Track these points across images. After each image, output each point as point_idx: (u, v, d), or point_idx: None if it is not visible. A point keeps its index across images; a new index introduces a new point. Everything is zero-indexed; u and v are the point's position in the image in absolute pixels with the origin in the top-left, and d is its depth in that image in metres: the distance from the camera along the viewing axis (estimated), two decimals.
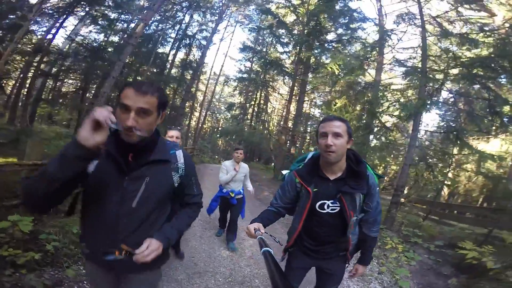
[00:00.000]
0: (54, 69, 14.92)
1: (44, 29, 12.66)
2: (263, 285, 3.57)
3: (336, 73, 9.92)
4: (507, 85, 8.46)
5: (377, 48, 9.59)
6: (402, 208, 7.85)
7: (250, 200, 4.77)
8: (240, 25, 23.45)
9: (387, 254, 5.27)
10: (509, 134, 8.72)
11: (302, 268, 2.05)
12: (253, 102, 23.75)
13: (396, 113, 8.57)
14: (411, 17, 8.84)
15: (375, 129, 9.22)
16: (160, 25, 17.31)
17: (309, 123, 20.81)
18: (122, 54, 9.60)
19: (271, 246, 1.09)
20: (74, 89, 17.71)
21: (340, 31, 14.17)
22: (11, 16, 10.96)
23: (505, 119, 7.24)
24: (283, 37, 16.65)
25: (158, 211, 1.36)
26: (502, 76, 7.30)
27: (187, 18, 18.35)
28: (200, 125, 28.55)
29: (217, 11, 19.25)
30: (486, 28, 7.80)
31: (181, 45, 19.05)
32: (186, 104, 20.81)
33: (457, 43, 8.25)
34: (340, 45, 14.13)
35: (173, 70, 19.95)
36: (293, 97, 17.08)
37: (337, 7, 12.91)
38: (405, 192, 8.75)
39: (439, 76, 8.27)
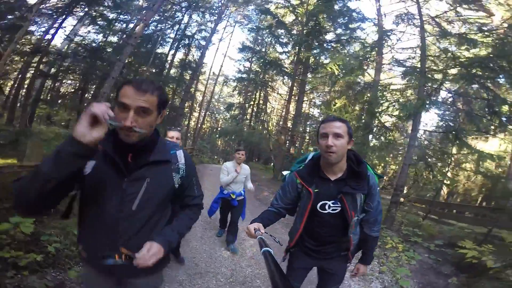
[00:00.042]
0: (53, 70, 14.91)
1: (43, 29, 12.67)
2: (265, 286, 3.58)
3: (336, 73, 9.92)
4: (505, 85, 8.48)
5: (376, 48, 9.61)
6: (402, 207, 7.86)
7: (250, 200, 4.77)
8: (240, 25, 23.50)
9: (387, 253, 5.28)
10: (508, 133, 8.76)
11: (304, 268, 2.06)
12: (252, 102, 23.73)
13: (396, 113, 8.58)
14: (410, 17, 8.87)
15: (375, 129, 9.24)
16: (159, 25, 17.29)
17: (308, 123, 20.81)
18: (121, 54, 9.58)
19: (271, 246, 1.10)
20: (73, 90, 17.71)
21: (339, 31, 14.19)
22: (10, 17, 10.95)
23: (504, 119, 7.26)
24: (282, 37, 16.64)
25: (159, 214, 1.32)
26: (500, 76, 7.32)
27: (186, 18, 18.35)
28: (199, 125, 28.54)
29: (216, 11, 19.24)
30: (485, 28, 7.83)
31: (180, 45, 19.02)
32: (185, 104, 20.78)
33: (456, 43, 8.27)
34: (339, 45, 14.14)
35: (172, 71, 19.93)
36: (292, 97, 17.08)
37: (336, 7, 12.95)
38: (405, 191, 8.76)
39: (438, 76, 8.29)
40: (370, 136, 9.51)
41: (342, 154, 1.69)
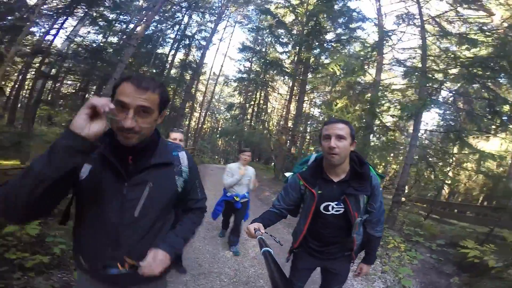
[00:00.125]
0: (54, 70, 14.92)
1: (43, 30, 12.68)
2: (268, 286, 3.60)
3: (337, 74, 9.93)
4: (506, 85, 8.49)
5: (377, 49, 9.63)
6: (403, 207, 7.88)
7: (252, 200, 4.78)
8: (240, 25, 23.51)
9: (389, 253, 5.30)
10: (509, 133, 8.76)
11: (308, 268, 2.08)
12: (252, 102, 23.78)
13: (397, 113, 8.59)
14: (410, 17, 8.87)
15: (376, 129, 9.25)
16: (159, 25, 17.31)
17: (309, 122, 20.85)
18: (122, 55, 9.61)
19: (271, 246, 1.10)
20: (73, 90, 17.71)
21: (339, 31, 14.24)
22: (9, 18, 10.95)
23: (505, 118, 7.26)
24: (282, 37, 16.70)
25: (163, 219, 1.25)
26: (501, 76, 7.33)
27: (186, 18, 18.38)
28: (200, 126, 28.57)
29: (216, 12, 19.27)
30: (485, 28, 7.83)
31: (181, 46, 19.05)
32: (186, 105, 20.81)
33: (456, 43, 8.29)
34: (339, 45, 14.18)
35: (173, 71, 19.96)
36: (293, 97, 17.11)
37: (336, 7, 12.98)
38: (406, 191, 8.78)
39: (439, 76, 8.30)
40: (371, 136, 9.52)
41: (345, 156, 1.70)
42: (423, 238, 6.11)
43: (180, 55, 20.39)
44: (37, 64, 13.40)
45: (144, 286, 1.26)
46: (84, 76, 14.61)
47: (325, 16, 13.59)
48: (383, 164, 16.78)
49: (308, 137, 18.86)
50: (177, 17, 17.84)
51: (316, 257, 1.96)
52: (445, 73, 8.03)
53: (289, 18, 17.05)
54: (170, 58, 18.93)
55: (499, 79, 7.70)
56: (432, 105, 8.09)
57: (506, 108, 7.22)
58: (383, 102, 8.73)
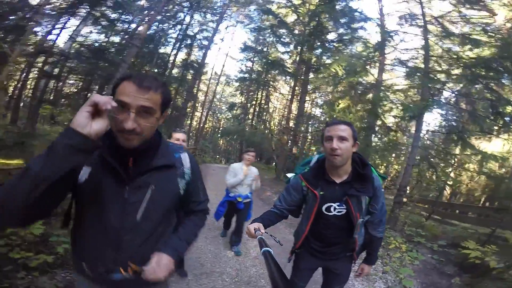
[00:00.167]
0: (56, 70, 14.96)
1: (46, 29, 12.71)
2: (269, 286, 3.61)
3: (339, 74, 9.93)
4: (509, 85, 8.46)
5: (379, 49, 9.62)
6: (405, 207, 7.88)
7: (253, 200, 4.81)
8: (241, 25, 23.49)
9: (390, 253, 5.31)
10: None
11: (309, 268, 2.09)
12: (254, 102, 23.78)
13: (399, 113, 8.59)
14: (413, 18, 8.85)
15: (378, 130, 9.25)
16: (161, 25, 17.32)
17: (310, 122, 20.86)
18: (126, 55, 9.63)
19: (271, 246, 1.10)
20: (75, 90, 17.77)
21: (341, 30, 14.18)
22: (12, 17, 10.99)
23: (507, 119, 7.25)
24: (284, 37, 16.65)
25: (165, 223, 1.22)
26: (504, 76, 7.31)
27: (187, 18, 18.38)
28: (201, 125, 28.61)
29: (218, 11, 19.27)
30: (488, 28, 7.81)
31: (182, 45, 19.06)
32: (188, 104, 20.84)
33: (459, 43, 8.26)
34: (341, 45, 14.16)
35: (174, 70, 19.97)
36: (295, 97, 17.10)
37: (338, 7, 12.93)
38: (408, 191, 8.78)
39: (441, 77, 8.29)
40: (373, 137, 9.52)
41: (347, 157, 1.70)
42: (424, 238, 6.13)
43: (182, 55, 20.44)
44: (40, 64, 13.44)
45: None
46: (86, 75, 14.66)
47: (327, 16, 13.58)
48: (385, 164, 16.77)
49: (309, 137, 18.85)
50: (179, 17, 17.85)
51: (318, 257, 1.97)
52: (448, 74, 8.02)
53: (291, 18, 17.03)
54: (172, 58, 18.97)
55: (502, 80, 7.67)
56: (435, 106, 8.08)
57: (509, 109, 7.20)
58: (385, 102, 8.72)
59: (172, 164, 1.18)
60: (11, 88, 16.44)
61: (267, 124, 21.59)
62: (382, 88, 9.32)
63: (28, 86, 16.93)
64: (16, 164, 4.90)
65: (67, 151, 0.80)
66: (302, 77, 15.69)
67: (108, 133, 0.97)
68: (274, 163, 21.45)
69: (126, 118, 0.94)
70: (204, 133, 33.10)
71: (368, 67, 9.71)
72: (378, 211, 1.83)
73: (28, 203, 0.80)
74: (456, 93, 9.07)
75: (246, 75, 21.31)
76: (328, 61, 14.05)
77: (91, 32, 14.62)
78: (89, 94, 16.28)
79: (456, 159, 9.26)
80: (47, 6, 10.54)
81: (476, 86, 8.42)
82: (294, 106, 17.51)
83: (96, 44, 13.81)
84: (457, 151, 8.88)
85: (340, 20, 13.41)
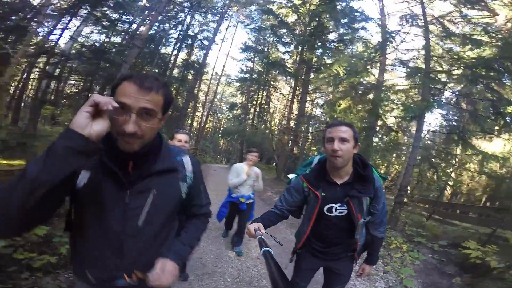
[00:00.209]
0: (57, 70, 14.98)
1: (47, 30, 12.73)
2: (270, 286, 3.62)
3: (341, 75, 9.94)
4: (510, 86, 8.47)
5: (380, 49, 9.63)
6: (406, 207, 7.90)
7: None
8: (242, 25, 23.53)
9: (391, 253, 5.33)
10: None
11: (311, 269, 2.10)
12: (254, 102, 23.79)
13: (400, 114, 8.59)
14: (414, 18, 8.85)
15: (378, 129, 9.26)
16: (161, 25, 17.35)
17: (310, 122, 20.87)
18: (127, 55, 9.65)
19: (271, 246, 1.09)
20: (76, 90, 17.79)
21: (342, 31, 14.19)
22: (13, 17, 11.01)
23: (508, 119, 7.25)
24: (285, 37, 16.67)
25: (168, 228, 1.19)
26: (505, 76, 7.30)
27: (188, 18, 18.41)
28: (202, 125, 28.64)
29: (219, 12, 19.30)
30: (489, 28, 7.81)
31: (183, 46, 19.09)
32: (189, 105, 20.86)
33: (460, 43, 8.27)
34: (342, 45, 14.18)
35: (175, 71, 19.99)
36: (295, 97, 17.11)
37: (339, 7, 12.95)
38: (408, 191, 8.79)
39: (442, 77, 8.29)
40: (374, 137, 9.53)
41: (348, 158, 1.72)
42: (425, 238, 6.14)
43: (182, 55, 20.47)
44: (41, 64, 13.47)
45: None
46: (87, 76, 14.68)
47: (327, 16, 13.58)
48: (385, 164, 16.78)
49: (310, 137, 18.85)
50: (180, 17, 17.88)
51: (319, 257, 1.99)
52: (449, 74, 8.02)
53: (292, 18, 17.05)
54: (172, 58, 18.99)
55: (503, 80, 7.67)
56: (435, 106, 8.08)
57: (510, 109, 7.20)
58: (386, 103, 8.73)
59: (174, 168, 1.15)
60: (12, 89, 16.47)
61: (268, 124, 21.57)
62: (383, 88, 9.32)
63: (29, 87, 16.97)
64: (19, 164, 4.92)
65: (67, 153, 0.76)
66: (303, 77, 15.69)
67: (107, 135, 0.90)
68: (274, 163, 21.47)
69: (126, 120, 0.90)
70: (204, 133, 33.13)
71: (369, 67, 9.71)
72: (379, 211, 1.85)
73: (26, 209, 0.75)
74: (457, 93, 9.08)
75: (247, 75, 21.33)
76: (329, 61, 14.05)
77: (91, 32, 14.66)
78: (90, 95, 16.27)
79: (457, 159, 9.27)
80: (49, 7, 10.56)
81: (477, 86, 8.43)
82: (295, 106, 17.52)
83: (97, 45, 13.82)
84: (458, 151, 8.88)
85: (341, 20, 13.42)
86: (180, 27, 18.21)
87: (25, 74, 14.62)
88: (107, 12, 13.64)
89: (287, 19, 16.61)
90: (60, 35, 12.82)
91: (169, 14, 17.12)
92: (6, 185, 0.77)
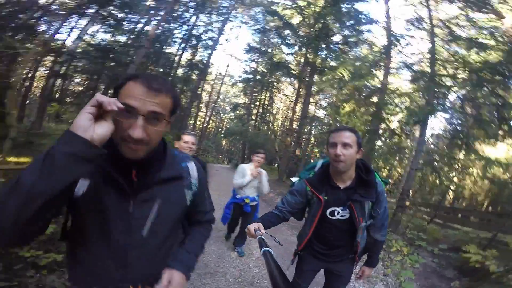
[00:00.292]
0: (63, 68, 15.09)
1: (54, 29, 12.84)
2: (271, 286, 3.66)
3: (345, 78, 9.96)
4: None
5: (385, 53, 9.63)
6: (407, 211, 7.91)
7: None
8: (247, 24, 23.49)
9: (392, 256, 5.36)
10: None
11: (312, 270, 2.14)
12: (257, 103, 23.82)
13: (403, 118, 8.60)
14: (420, 21, 8.83)
15: (381, 132, 9.27)
16: (166, 25, 17.40)
17: (313, 124, 20.88)
18: (135, 56, 9.73)
19: (271, 247, 1.09)
20: (81, 88, 17.92)
21: (346, 32, 14.19)
22: (21, 16, 11.11)
23: None
24: (289, 38, 16.67)
25: (173, 237, 1.14)
26: (511, 80, 7.27)
27: (193, 19, 18.46)
28: (205, 125, 28.72)
29: (224, 12, 19.33)
30: (495, 31, 7.78)
31: (188, 46, 19.13)
32: (193, 105, 20.92)
33: (466, 47, 8.24)
34: (346, 47, 14.18)
35: (179, 70, 20.04)
36: (299, 98, 17.13)
37: (344, 10, 12.96)
38: (410, 195, 8.79)
39: (447, 80, 8.28)
40: (377, 140, 9.54)
41: (351, 163, 1.75)
42: (426, 242, 6.16)
43: (186, 55, 20.51)
44: (47, 62, 13.58)
45: None
46: (92, 75, 14.79)
47: (332, 18, 13.59)
48: (388, 168, 16.75)
49: (312, 139, 18.86)
50: (185, 17, 17.92)
51: (320, 259, 2.02)
52: (454, 78, 8.00)
53: (296, 20, 17.02)
54: (177, 58, 19.04)
55: (509, 84, 7.63)
56: (440, 110, 8.08)
57: None
58: (391, 107, 8.74)
59: (179, 176, 1.09)
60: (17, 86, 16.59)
61: (270, 125, 21.62)
62: (387, 91, 9.33)
63: (34, 84, 17.09)
64: (27, 162, 4.98)
65: (67, 160, 0.68)
66: (307, 79, 15.70)
67: (108, 140, 0.81)
68: (276, 165, 21.49)
69: (132, 124, 0.82)
70: (207, 133, 33.22)
71: (373, 70, 9.72)
72: (380, 215, 1.88)
73: (19, 222, 0.67)
74: (461, 97, 9.07)
75: (250, 76, 21.37)
76: (333, 63, 14.07)
77: (97, 31, 14.76)
78: (95, 94, 16.32)
79: (459, 164, 9.26)
80: (56, 6, 10.67)
81: (484, 89, 8.40)
82: (298, 108, 17.56)
83: (103, 43, 13.92)
84: (461, 156, 8.86)
85: (346, 22, 13.43)
86: (185, 27, 18.26)
87: (30, 73, 14.74)
88: (113, 11, 13.74)
89: (291, 21, 16.60)
90: (69, 34, 12.93)
91: (174, 14, 17.18)
92: None
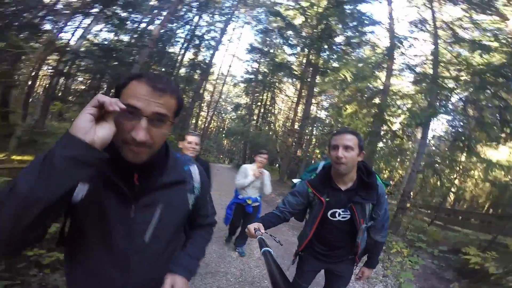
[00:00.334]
0: (67, 67, 15.14)
1: (57, 28, 12.88)
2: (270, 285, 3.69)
3: (348, 79, 9.97)
4: None
5: (388, 54, 9.63)
6: (408, 213, 7.92)
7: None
8: (249, 25, 23.50)
9: (392, 258, 5.38)
10: None
11: (313, 270, 2.16)
12: (259, 103, 23.84)
13: (405, 120, 8.60)
14: (423, 23, 8.82)
15: (383, 134, 9.28)
16: (169, 25, 17.43)
17: (315, 125, 20.89)
18: (139, 55, 9.76)
19: (271, 247, 1.09)
20: (84, 87, 17.98)
21: (349, 33, 14.21)
22: (25, 14, 11.16)
23: None
24: (291, 39, 16.68)
25: (175, 242, 1.12)
26: None
27: (196, 18, 18.49)
28: (206, 125, 28.77)
29: (227, 12, 19.35)
30: (499, 33, 7.76)
31: (190, 45, 19.16)
32: (195, 104, 20.94)
33: (469, 49, 8.22)
34: (349, 48, 14.18)
35: (181, 70, 20.06)
36: (301, 99, 17.14)
37: (347, 11, 12.96)
38: (411, 197, 8.80)
39: (450, 83, 8.27)
40: (378, 142, 9.55)
41: (352, 166, 1.78)
42: (426, 244, 6.18)
43: (189, 55, 20.53)
44: (50, 61, 13.65)
45: None
46: (95, 74, 14.84)
47: (335, 19, 13.59)
48: (389, 169, 16.74)
49: (314, 140, 18.88)
50: (188, 17, 17.94)
51: (321, 260, 2.05)
52: (456, 80, 8.00)
53: (299, 20, 17.01)
54: (179, 58, 19.06)
55: None
56: (442, 112, 8.08)
57: None
58: (393, 109, 8.75)
59: (182, 180, 1.06)
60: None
61: (272, 126, 21.64)
62: (389, 93, 9.33)
63: (37, 83, 17.16)
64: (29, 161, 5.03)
65: (67, 165, 0.65)
66: (309, 80, 15.70)
67: (108, 145, 0.77)
68: (277, 165, 21.50)
69: (136, 126, 0.78)
70: (208, 133, 33.26)
71: (376, 72, 9.72)
72: (381, 217, 1.91)
73: (18, 230, 0.64)
74: (463, 99, 9.07)
75: (252, 76, 21.41)
76: (336, 64, 14.06)
77: (101, 30, 14.80)
78: (98, 93, 16.37)
79: (461, 166, 9.25)
80: (61, 6, 10.72)
81: (486, 91, 8.39)
82: (300, 109, 17.57)
83: (106, 43, 13.96)
84: (463, 158, 8.86)
85: (349, 23, 13.42)
86: (187, 27, 18.28)
87: (34, 72, 14.81)
88: (116, 10, 13.78)
89: (294, 21, 16.60)
90: (73, 33, 12.98)
91: (176, 14, 17.20)
92: None
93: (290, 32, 16.33)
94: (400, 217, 7.36)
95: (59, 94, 16.97)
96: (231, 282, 3.57)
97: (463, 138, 7.86)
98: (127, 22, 14.64)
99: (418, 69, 9.44)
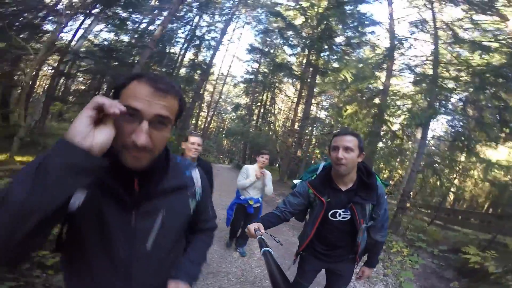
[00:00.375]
0: (67, 67, 15.15)
1: (58, 28, 12.88)
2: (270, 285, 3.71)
3: (348, 80, 9.98)
4: None
5: (388, 55, 9.65)
6: (408, 213, 7.95)
7: None
8: (249, 25, 23.53)
9: (392, 257, 5.41)
10: None
11: (314, 270, 2.19)
12: (259, 103, 23.86)
13: (406, 121, 8.61)
14: (423, 23, 8.84)
15: (383, 134, 9.30)
16: (170, 25, 17.43)
17: (315, 125, 20.90)
18: (140, 56, 9.78)
19: (271, 247, 1.09)
20: (84, 87, 18.00)
21: (349, 33, 14.24)
22: (25, 14, 11.17)
23: None
24: (292, 39, 16.71)
25: (177, 248, 1.09)
26: None
27: (196, 19, 18.50)
28: (206, 125, 28.78)
29: (227, 12, 19.36)
30: (498, 33, 7.78)
31: (191, 46, 19.16)
32: (195, 105, 20.95)
33: (469, 49, 8.24)
34: (349, 48, 14.20)
35: (182, 70, 20.06)
36: (301, 99, 17.16)
37: (347, 11, 12.98)
38: (411, 197, 8.83)
39: (450, 83, 8.29)
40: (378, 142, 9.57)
41: (352, 167, 1.80)
42: (425, 243, 6.21)
43: (189, 55, 20.53)
44: (51, 61, 13.67)
45: None
46: (96, 74, 14.85)
47: (336, 19, 13.61)
48: (389, 169, 16.77)
49: (314, 140, 18.89)
50: (188, 17, 17.94)
51: (321, 259, 2.07)
52: (456, 80, 8.02)
53: (299, 21, 17.04)
54: (179, 58, 19.07)
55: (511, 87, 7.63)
56: (442, 112, 8.11)
57: None
58: (393, 109, 8.77)
59: (184, 185, 1.03)
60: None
61: (272, 126, 21.65)
62: (389, 93, 9.35)
63: (37, 83, 17.17)
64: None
65: (63, 173, 0.60)
66: (309, 80, 15.72)
67: (107, 150, 0.72)
68: (277, 165, 21.52)
69: (136, 129, 0.74)
70: (208, 133, 33.28)
71: (376, 72, 9.74)
72: (381, 217, 1.93)
73: (13, 242, 0.60)
74: (463, 99, 9.09)
75: (252, 77, 21.43)
76: (336, 64, 14.08)
77: (101, 30, 14.81)
78: (97, 93, 16.44)
79: (460, 166, 9.28)
80: (62, 6, 10.72)
81: (486, 91, 8.41)
82: (300, 109, 17.59)
83: (107, 43, 13.98)
84: (462, 158, 8.89)
85: (349, 24, 13.45)
86: (188, 27, 18.28)
87: (34, 72, 14.82)
88: (117, 10, 13.78)
89: (294, 22, 16.62)
90: (75, 34, 12.97)
91: (177, 14, 17.20)
92: None
93: (290, 33, 16.35)
94: (400, 217, 7.39)
95: (59, 95, 17.00)
96: (232, 282, 3.60)
97: (462, 138, 7.87)
98: (127, 22, 14.67)
99: (418, 70, 9.47)
